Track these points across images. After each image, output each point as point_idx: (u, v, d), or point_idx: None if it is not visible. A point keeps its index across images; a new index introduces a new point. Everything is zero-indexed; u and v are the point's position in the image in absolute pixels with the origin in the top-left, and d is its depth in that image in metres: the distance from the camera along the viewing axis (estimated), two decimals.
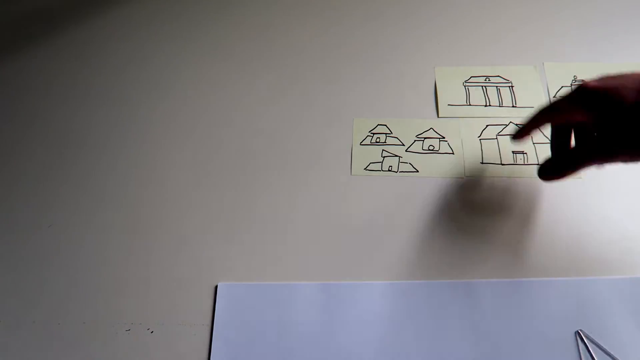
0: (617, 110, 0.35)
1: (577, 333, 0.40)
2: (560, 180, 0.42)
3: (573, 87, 0.46)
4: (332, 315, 0.43)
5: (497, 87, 0.55)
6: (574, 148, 0.43)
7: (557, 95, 0.54)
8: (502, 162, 0.50)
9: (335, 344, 0.41)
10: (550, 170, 0.43)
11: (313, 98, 0.56)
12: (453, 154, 0.51)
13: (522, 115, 0.53)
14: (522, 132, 0.44)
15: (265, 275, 0.45)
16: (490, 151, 0.51)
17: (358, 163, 0.51)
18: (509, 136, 0.49)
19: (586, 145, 0.41)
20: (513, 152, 0.51)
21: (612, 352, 0.39)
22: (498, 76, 0.56)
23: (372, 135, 0.53)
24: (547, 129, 0.49)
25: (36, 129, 0.57)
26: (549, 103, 0.41)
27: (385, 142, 0.53)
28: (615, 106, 0.35)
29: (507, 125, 0.52)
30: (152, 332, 0.43)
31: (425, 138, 0.52)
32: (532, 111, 0.43)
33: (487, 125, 0.53)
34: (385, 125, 0.54)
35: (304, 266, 0.46)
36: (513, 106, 0.54)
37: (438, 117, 0.54)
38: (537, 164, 0.49)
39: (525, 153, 0.50)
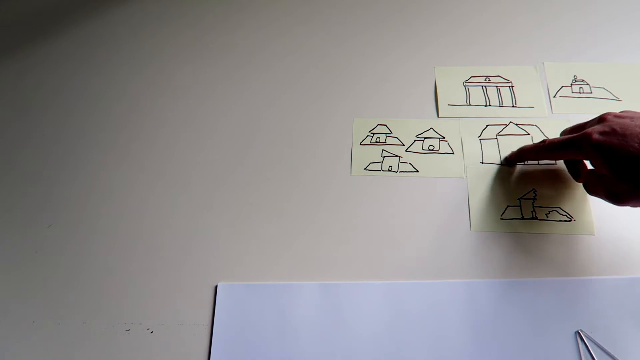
0: (624, 162, 0.35)
1: (577, 333, 0.40)
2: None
3: (576, 126, 0.44)
4: (331, 315, 0.43)
5: (497, 87, 0.55)
6: (585, 184, 0.42)
7: (556, 97, 0.54)
8: (502, 162, 0.50)
9: (334, 344, 0.41)
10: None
11: (313, 98, 0.56)
12: (453, 154, 0.51)
13: (522, 115, 0.53)
14: (518, 159, 0.48)
15: (265, 275, 0.45)
16: (490, 151, 0.51)
17: (358, 163, 0.51)
18: (507, 158, 0.50)
19: (595, 184, 0.40)
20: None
21: (612, 352, 0.39)
22: (498, 76, 0.56)
23: (372, 135, 0.53)
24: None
25: (36, 130, 0.57)
26: (554, 142, 0.41)
27: (385, 142, 0.53)
28: (621, 160, 0.35)
29: (507, 125, 0.52)
30: (152, 332, 0.43)
31: (425, 138, 0.52)
32: (533, 144, 0.44)
33: (487, 125, 0.53)
34: (385, 125, 0.54)
35: (303, 266, 0.46)
36: (513, 106, 0.54)
37: (438, 117, 0.54)
38: (537, 164, 0.49)
39: None
